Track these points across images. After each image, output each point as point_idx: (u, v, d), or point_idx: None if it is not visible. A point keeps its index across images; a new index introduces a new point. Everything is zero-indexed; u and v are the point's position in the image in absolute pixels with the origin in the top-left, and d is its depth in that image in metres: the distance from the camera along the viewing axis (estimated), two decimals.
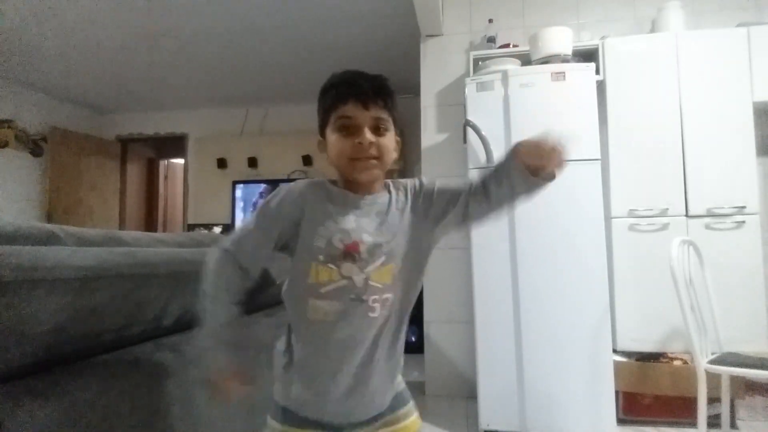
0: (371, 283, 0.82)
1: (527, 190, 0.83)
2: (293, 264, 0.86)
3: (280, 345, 0.90)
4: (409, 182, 0.92)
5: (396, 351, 0.88)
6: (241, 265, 0.85)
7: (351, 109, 0.82)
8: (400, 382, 0.92)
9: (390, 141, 0.85)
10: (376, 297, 0.82)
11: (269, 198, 0.87)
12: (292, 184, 0.89)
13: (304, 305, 0.83)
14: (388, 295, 0.84)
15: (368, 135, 0.81)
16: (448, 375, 2.64)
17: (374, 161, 0.83)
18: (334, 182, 0.89)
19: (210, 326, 0.83)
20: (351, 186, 0.87)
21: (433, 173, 2.81)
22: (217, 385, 0.82)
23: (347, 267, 0.82)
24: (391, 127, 0.86)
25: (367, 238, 0.83)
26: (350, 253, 0.82)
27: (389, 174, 0.92)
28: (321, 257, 0.82)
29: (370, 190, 0.87)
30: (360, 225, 0.84)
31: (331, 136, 0.84)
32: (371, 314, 0.82)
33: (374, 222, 0.85)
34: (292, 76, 4.28)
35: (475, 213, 0.87)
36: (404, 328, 0.89)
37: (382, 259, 0.83)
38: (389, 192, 0.89)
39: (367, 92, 0.82)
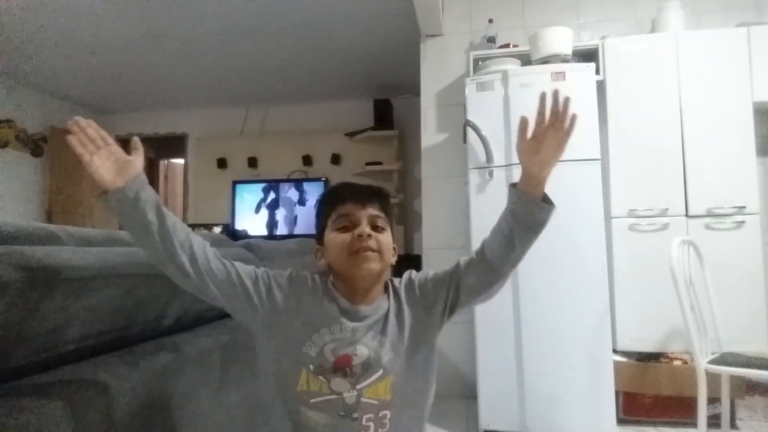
0: (364, 400, 0.79)
1: (530, 221, 0.85)
2: (279, 363, 0.83)
3: None
4: (402, 280, 0.92)
5: None
6: (215, 252, 0.82)
7: (350, 208, 0.86)
8: None
9: (388, 239, 0.87)
10: (371, 416, 0.79)
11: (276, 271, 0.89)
12: (299, 272, 0.90)
13: (295, 410, 0.81)
14: (386, 412, 0.80)
15: (366, 227, 0.84)
16: (448, 375, 2.64)
17: (374, 254, 0.83)
18: (335, 286, 0.88)
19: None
20: (351, 290, 0.85)
21: (433, 173, 2.81)
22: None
23: (337, 382, 0.79)
24: (389, 229, 0.89)
25: (362, 351, 0.80)
26: (341, 367, 0.79)
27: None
28: (311, 366, 0.79)
29: (370, 295, 0.86)
30: (357, 336, 0.81)
31: (330, 236, 0.86)
32: (364, 430, 0.79)
33: (372, 333, 0.83)
34: (292, 76, 4.28)
35: (479, 281, 0.86)
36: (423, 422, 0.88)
37: (379, 372, 0.80)
38: (389, 298, 0.88)
39: (364, 193, 0.88)
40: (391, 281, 0.92)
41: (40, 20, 3.16)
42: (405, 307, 0.87)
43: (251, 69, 4.09)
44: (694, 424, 1.72)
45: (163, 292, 0.98)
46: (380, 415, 0.80)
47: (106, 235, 1.01)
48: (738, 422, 2.08)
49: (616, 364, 2.09)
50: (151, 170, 6.05)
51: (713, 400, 1.81)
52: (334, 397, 0.79)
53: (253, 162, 4.97)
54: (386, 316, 0.86)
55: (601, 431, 1.97)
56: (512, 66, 2.37)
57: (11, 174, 4.27)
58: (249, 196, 4.82)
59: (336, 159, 4.77)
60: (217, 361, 1.09)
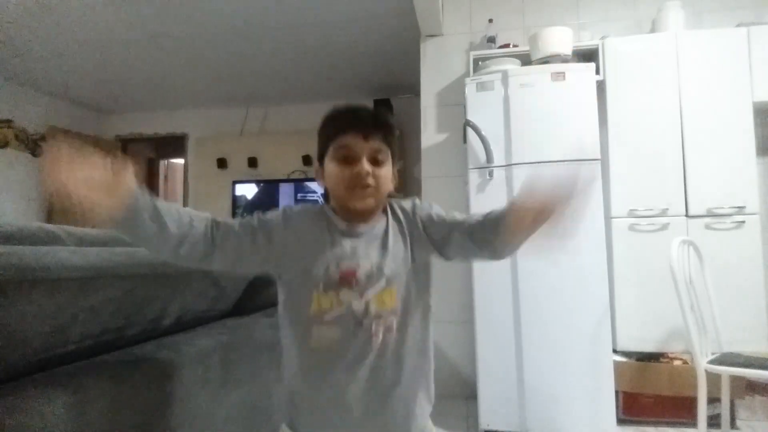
0: (372, 308, 0.82)
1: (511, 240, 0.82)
2: (289, 295, 0.88)
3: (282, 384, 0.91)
4: (407, 204, 0.93)
5: (414, 379, 0.86)
6: (209, 230, 0.80)
7: (350, 139, 0.84)
8: (425, 426, 0.90)
9: (387, 172, 0.87)
10: (379, 322, 0.82)
11: (269, 212, 0.88)
12: (293, 208, 0.91)
13: (306, 334, 0.84)
14: (392, 319, 0.83)
15: (366, 165, 0.83)
16: (448, 375, 2.65)
17: (371, 190, 0.84)
18: (332, 209, 0.90)
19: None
20: (348, 214, 0.87)
21: (433, 173, 2.81)
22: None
23: (345, 293, 0.82)
24: (389, 159, 0.88)
25: (365, 263, 0.84)
26: (347, 279, 0.82)
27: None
28: (321, 285, 0.83)
29: (367, 218, 0.88)
30: (357, 251, 0.85)
31: (330, 165, 0.85)
32: (375, 339, 0.82)
33: (372, 247, 0.86)
34: (292, 76, 4.28)
35: (473, 252, 0.88)
36: (423, 354, 0.88)
37: (382, 282, 0.83)
38: (387, 217, 0.90)
39: (367, 124, 0.85)
40: (390, 204, 0.92)
41: (40, 20, 3.16)
42: (405, 228, 0.90)
43: (251, 69, 4.09)
44: (694, 424, 1.72)
45: (163, 292, 0.98)
46: (388, 322, 0.83)
47: (106, 235, 1.01)
48: (738, 422, 2.08)
49: (616, 364, 2.09)
50: (151, 170, 6.06)
51: (713, 400, 1.81)
52: (344, 309, 0.82)
53: (253, 162, 4.97)
54: (386, 231, 0.88)
55: (601, 431, 1.97)
56: (512, 66, 2.37)
57: (11, 174, 4.27)
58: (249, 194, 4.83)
59: None
60: (217, 361, 1.09)
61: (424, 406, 0.90)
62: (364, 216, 0.88)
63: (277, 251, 0.85)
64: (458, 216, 0.89)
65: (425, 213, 0.90)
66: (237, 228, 0.84)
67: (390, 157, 0.88)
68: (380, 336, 0.82)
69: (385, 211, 0.91)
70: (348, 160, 0.84)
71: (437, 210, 0.91)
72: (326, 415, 0.84)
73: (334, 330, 0.82)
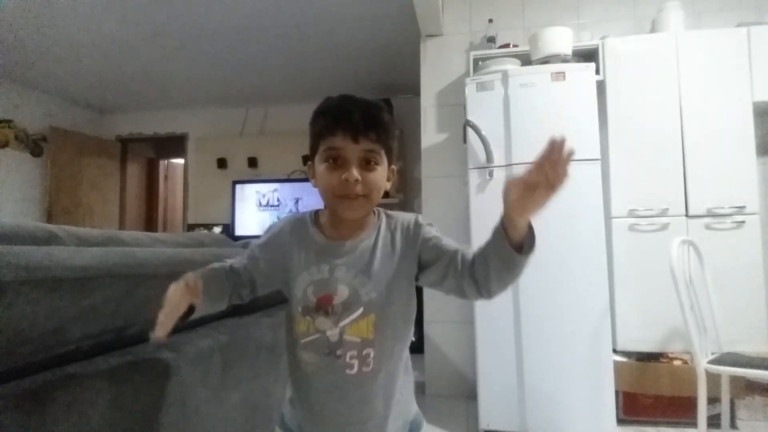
0: (346, 338, 0.79)
1: (503, 263, 0.77)
2: (288, 307, 0.87)
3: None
4: (405, 220, 0.86)
5: (390, 407, 0.83)
6: (236, 267, 0.89)
7: (339, 141, 0.77)
8: (410, 412, 0.89)
9: (380, 176, 0.80)
10: (353, 353, 0.79)
11: (261, 236, 0.91)
12: (278, 223, 0.90)
13: (293, 355, 0.85)
14: (369, 350, 0.79)
15: (355, 171, 0.76)
16: (448, 375, 2.65)
17: (360, 199, 0.78)
18: (318, 216, 0.88)
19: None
20: (335, 220, 0.84)
21: (433, 173, 2.81)
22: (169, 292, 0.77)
23: (321, 320, 0.80)
24: (383, 160, 0.81)
25: (343, 290, 0.80)
26: (323, 306, 0.80)
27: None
28: (299, 308, 0.81)
29: (355, 228, 0.84)
30: (335, 275, 0.80)
31: (319, 166, 0.80)
32: (349, 371, 0.79)
33: (354, 270, 0.80)
34: (292, 76, 4.28)
35: (458, 289, 0.81)
36: (400, 371, 0.85)
37: (360, 310, 0.79)
38: (379, 231, 0.84)
39: (358, 124, 0.77)
40: (388, 215, 0.87)
41: (40, 20, 3.16)
42: (397, 245, 0.83)
43: (251, 69, 4.09)
44: (694, 424, 1.72)
45: (163, 292, 0.98)
46: (363, 353, 0.79)
47: (106, 235, 1.01)
48: (738, 422, 2.08)
49: (616, 364, 2.09)
50: (151, 170, 6.06)
51: (713, 400, 1.81)
52: (318, 335, 0.80)
53: (253, 162, 4.97)
54: (372, 251, 0.82)
55: (601, 431, 1.97)
56: (512, 66, 2.37)
57: (11, 174, 4.27)
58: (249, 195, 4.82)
59: None
60: (217, 361, 1.09)
61: (405, 409, 0.88)
62: (352, 225, 0.83)
63: (270, 271, 0.87)
64: (452, 244, 0.82)
65: (426, 235, 0.83)
66: (246, 260, 0.89)
67: (385, 157, 0.81)
68: (356, 368, 0.79)
69: (378, 220, 0.85)
70: (337, 163, 0.78)
71: (435, 232, 0.85)
72: (309, 426, 0.85)
73: (310, 354, 0.81)
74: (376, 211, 0.87)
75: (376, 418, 0.82)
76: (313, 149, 0.82)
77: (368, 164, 0.78)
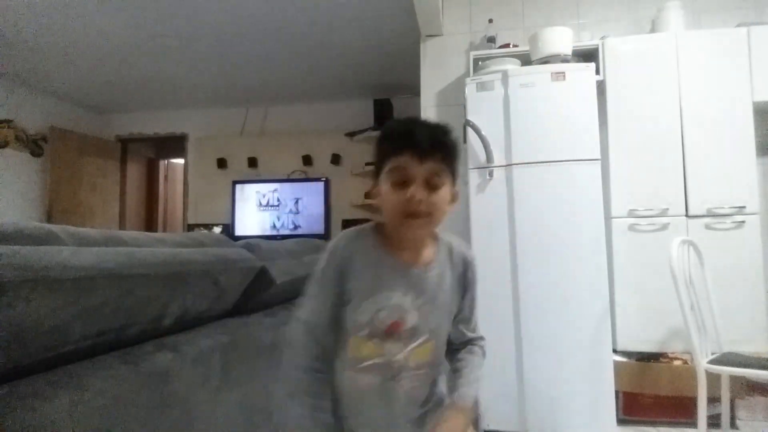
0: (410, 361, 0.83)
1: None
2: (340, 331, 0.86)
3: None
4: (462, 256, 0.91)
5: (431, 397, 0.91)
6: (319, 339, 0.84)
7: (406, 161, 0.78)
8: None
9: (444, 196, 0.81)
10: (411, 374, 0.84)
11: (319, 263, 0.87)
12: (336, 242, 0.86)
13: (346, 371, 0.85)
14: (423, 371, 0.86)
15: (418, 191, 0.77)
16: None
17: (423, 220, 0.79)
18: (380, 233, 0.87)
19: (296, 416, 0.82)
20: (401, 240, 0.85)
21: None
22: None
23: (389, 346, 0.82)
24: (448, 181, 0.82)
25: (412, 317, 0.83)
26: (393, 332, 0.82)
27: None
28: (366, 331, 0.82)
29: (421, 247, 0.86)
30: (405, 302, 0.83)
31: (384, 186, 0.81)
32: (402, 389, 0.84)
33: (423, 298, 0.84)
34: (292, 76, 4.28)
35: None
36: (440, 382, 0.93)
37: (425, 337, 0.84)
38: (445, 258, 0.89)
39: (424, 144, 0.78)
40: (446, 239, 0.90)
41: (40, 21, 3.16)
42: (455, 279, 0.89)
43: (251, 69, 4.09)
44: (694, 424, 1.72)
45: (163, 292, 0.98)
46: (419, 373, 0.85)
47: (106, 235, 1.00)
48: (738, 422, 2.08)
49: (616, 364, 2.09)
50: (151, 170, 6.06)
51: (713, 400, 1.81)
52: (383, 359, 0.83)
53: (253, 162, 4.97)
54: (440, 282, 0.87)
55: (601, 431, 1.97)
56: (512, 66, 2.37)
57: (11, 174, 4.27)
58: (250, 195, 4.83)
59: (336, 159, 4.77)
60: (217, 361, 1.09)
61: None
62: (417, 246, 0.86)
63: (334, 290, 0.85)
64: (470, 326, 0.95)
65: (471, 287, 0.92)
66: (328, 317, 0.85)
67: (450, 178, 0.82)
68: (409, 385, 0.84)
69: (441, 249, 0.89)
70: (401, 182, 0.79)
71: (474, 295, 0.93)
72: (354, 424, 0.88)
73: (369, 376, 0.83)
74: (438, 235, 0.90)
75: (413, 417, 0.88)
76: (378, 168, 0.83)
77: (433, 185, 0.79)
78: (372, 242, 0.86)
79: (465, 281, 0.90)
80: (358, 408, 0.86)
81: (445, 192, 0.81)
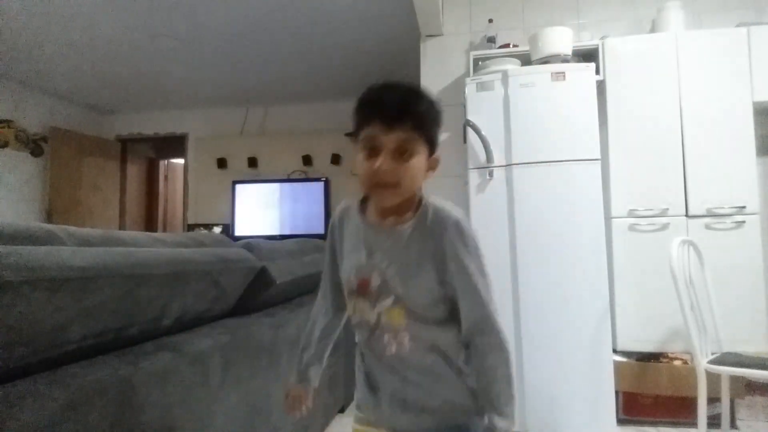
0: (384, 321, 0.83)
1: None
2: None
3: None
4: (447, 221, 0.82)
5: (435, 388, 0.84)
6: (324, 292, 0.97)
7: (374, 130, 0.77)
8: (455, 418, 0.84)
9: (416, 165, 0.78)
10: (390, 336, 0.82)
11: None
12: (334, 212, 0.96)
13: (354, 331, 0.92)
14: (404, 335, 0.82)
15: (386, 161, 0.76)
16: None
17: (391, 190, 0.78)
18: (365, 202, 0.90)
19: (297, 354, 0.99)
20: (377, 207, 0.85)
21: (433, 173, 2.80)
22: (284, 397, 0.97)
23: (360, 303, 0.85)
24: (421, 149, 0.79)
25: (376, 276, 0.82)
26: (362, 289, 0.84)
27: None
28: (347, 291, 0.88)
29: (397, 213, 0.83)
30: (372, 262, 0.83)
31: (358, 156, 0.80)
32: (389, 350, 0.83)
33: (387, 259, 0.82)
34: (292, 76, 4.28)
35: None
36: (442, 365, 0.84)
37: (391, 299, 0.81)
38: (419, 221, 0.82)
39: (393, 112, 0.76)
40: (434, 206, 0.83)
41: (40, 21, 3.16)
42: (434, 245, 0.81)
43: (251, 69, 4.09)
44: (694, 424, 1.72)
45: (162, 292, 0.98)
46: (398, 337, 0.83)
47: (106, 235, 1.01)
48: (738, 422, 2.08)
49: (616, 364, 2.09)
50: (151, 170, 6.06)
51: (713, 400, 1.81)
52: (360, 318, 0.86)
53: (253, 162, 4.97)
54: (407, 243, 0.82)
55: (601, 431, 1.97)
56: (512, 66, 2.37)
57: (11, 174, 4.27)
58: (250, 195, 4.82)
59: (336, 159, 4.77)
60: (217, 361, 1.09)
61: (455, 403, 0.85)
62: (391, 211, 0.83)
63: (333, 256, 0.94)
64: (468, 310, 0.82)
65: (459, 258, 0.80)
66: (325, 270, 0.97)
67: (424, 146, 0.80)
68: (394, 348, 0.83)
69: (421, 211, 0.83)
70: (371, 152, 0.77)
71: (472, 259, 0.82)
72: (363, 391, 0.91)
73: (359, 333, 0.88)
74: (423, 201, 0.85)
75: (417, 400, 0.84)
76: (354, 138, 0.82)
77: (403, 153, 0.77)
78: (356, 208, 0.89)
79: (443, 245, 0.80)
80: (367, 365, 0.90)
81: (417, 160, 0.79)
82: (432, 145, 0.82)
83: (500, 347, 0.81)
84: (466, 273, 0.81)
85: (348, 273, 0.86)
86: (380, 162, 0.76)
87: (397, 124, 0.76)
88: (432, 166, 0.84)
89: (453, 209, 0.84)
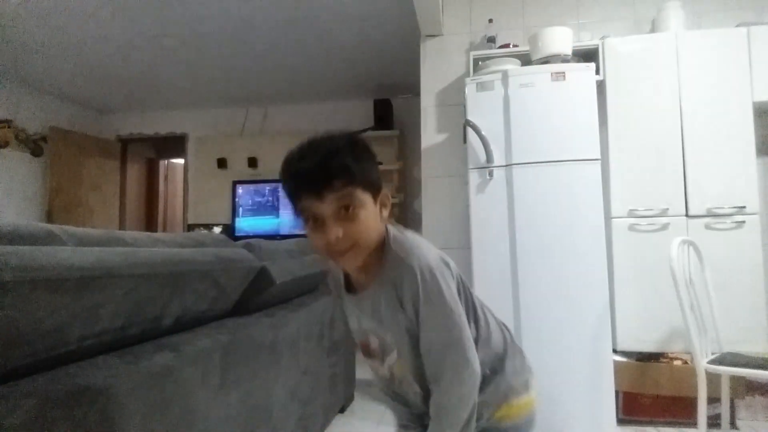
0: (397, 374, 0.87)
1: None
2: None
3: None
4: (405, 269, 0.77)
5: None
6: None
7: (308, 203, 0.73)
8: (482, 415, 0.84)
9: (364, 219, 0.74)
10: (406, 383, 0.87)
11: None
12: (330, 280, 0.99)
13: None
14: (415, 386, 0.86)
15: (331, 229, 0.72)
16: None
17: (350, 252, 0.75)
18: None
19: None
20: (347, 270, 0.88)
21: (433, 173, 2.81)
22: None
23: (371, 362, 0.90)
24: (363, 197, 0.74)
25: (373, 338, 0.87)
26: (367, 350, 0.89)
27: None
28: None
29: (368, 270, 0.81)
30: (363, 327, 0.88)
31: (306, 230, 0.77)
32: (411, 393, 0.88)
33: (374, 320, 0.85)
34: (292, 76, 4.28)
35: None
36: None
37: (394, 353, 0.85)
38: (383, 273, 0.80)
39: (318, 181, 0.71)
40: (388, 252, 0.79)
41: (40, 21, 3.16)
42: (388, 289, 0.79)
43: (251, 69, 4.09)
44: (694, 424, 1.72)
45: (163, 292, 0.98)
46: (414, 385, 0.86)
47: (106, 235, 1.01)
48: (738, 422, 2.08)
49: (616, 364, 2.09)
50: (151, 170, 6.06)
51: (713, 400, 1.81)
52: (376, 372, 0.90)
53: (253, 162, 4.97)
54: (377, 300, 0.81)
55: (601, 431, 1.97)
56: (512, 66, 2.37)
57: (11, 174, 4.27)
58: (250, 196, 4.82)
59: None
60: (217, 361, 1.09)
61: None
62: (361, 270, 0.82)
63: None
64: (427, 356, 0.80)
65: (416, 292, 0.77)
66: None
67: (366, 194, 0.75)
68: (414, 390, 0.87)
69: (387, 264, 0.79)
70: (316, 222, 0.74)
71: (434, 304, 0.78)
72: (399, 409, 0.95)
73: (380, 383, 0.93)
74: (386, 245, 0.80)
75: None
76: (294, 211, 0.78)
77: (347, 213, 0.73)
78: (341, 278, 0.92)
79: (402, 293, 0.77)
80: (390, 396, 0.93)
81: (364, 211, 0.75)
82: (372, 185, 0.76)
83: (451, 390, 0.78)
84: (428, 312, 0.78)
85: (354, 336, 0.92)
86: (328, 233, 0.73)
87: (326, 190, 0.72)
88: (383, 203, 0.79)
89: (410, 250, 0.79)
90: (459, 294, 0.82)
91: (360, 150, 0.76)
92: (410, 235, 0.83)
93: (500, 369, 0.87)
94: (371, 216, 0.76)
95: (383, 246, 0.80)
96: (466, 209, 2.21)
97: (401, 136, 4.56)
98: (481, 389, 0.81)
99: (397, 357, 0.83)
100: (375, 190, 0.77)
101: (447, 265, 0.81)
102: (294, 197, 0.75)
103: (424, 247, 0.80)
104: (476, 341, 0.84)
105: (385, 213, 0.80)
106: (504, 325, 0.97)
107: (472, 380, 0.77)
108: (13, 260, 0.66)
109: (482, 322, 0.90)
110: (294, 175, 0.75)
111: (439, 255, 0.81)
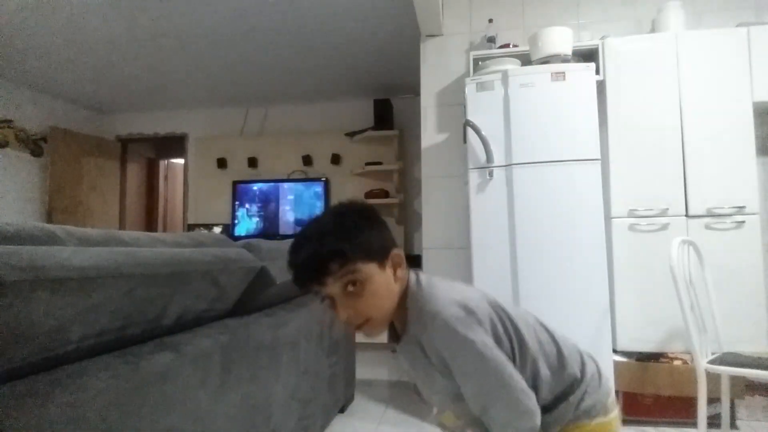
0: (447, 423, 0.92)
1: None
2: None
3: None
4: (427, 321, 0.78)
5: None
6: None
7: (315, 288, 0.77)
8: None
9: (374, 291, 0.75)
10: (459, 430, 0.90)
11: None
12: None
13: None
14: (473, 424, 0.86)
15: (342, 309, 0.76)
16: None
17: (368, 325, 0.78)
18: None
19: None
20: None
21: (433, 173, 2.81)
22: None
23: (439, 411, 0.95)
24: (368, 270, 0.75)
25: (425, 390, 0.91)
26: (423, 398, 0.95)
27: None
28: None
29: (401, 323, 0.84)
30: (411, 375, 0.90)
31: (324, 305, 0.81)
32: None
33: (413, 372, 0.88)
34: (292, 76, 4.28)
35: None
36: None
37: (443, 401, 0.89)
38: (411, 330, 0.82)
39: (315, 274, 0.74)
40: (412, 308, 0.80)
41: (39, 20, 3.16)
42: (418, 342, 0.82)
43: (251, 69, 4.09)
44: (694, 424, 1.72)
45: (163, 292, 0.98)
46: (466, 429, 0.90)
47: (106, 235, 1.00)
48: (738, 422, 2.08)
49: (616, 364, 2.09)
50: (151, 170, 6.06)
51: (713, 400, 1.81)
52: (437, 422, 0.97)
53: (253, 162, 4.97)
54: (411, 352, 0.86)
55: None
56: (512, 66, 2.37)
57: (11, 174, 4.27)
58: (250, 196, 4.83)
59: (336, 159, 4.77)
60: (217, 361, 1.09)
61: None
62: (394, 327, 0.87)
63: None
64: (475, 399, 0.81)
65: (441, 345, 0.78)
66: None
67: (369, 265, 0.75)
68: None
69: (410, 317, 0.81)
70: (331, 303, 0.77)
71: (457, 362, 0.78)
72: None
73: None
74: (408, 302, 0.81)
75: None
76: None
77: (353, 290, 0.75)
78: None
79: (433, 348, 0.79)
80: None
81: (371, 284, 0.75)
82: (375, 253, 0.77)
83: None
84: (457, 371, 0.79)
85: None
86: (341, 314, 0.76)
87: (324, 276, 0.74)
88: (395, 263, 0.79)
89: (424, 307, 0.78)
90: (499, 334, 0.79)
91: (351, 224, 0.77)
92: (428, 287, 0.81)
93: (571, 392, 0.85)
94: (381, 285, 0.76)
95: (404, 305, 0.82)
96: (466, 209, 2.21)
97: (401, 136, 4.56)
98: (550, 410, 0.82)
99: (449, 404, 0.88)
100: (380, 257, 0.77)
101: (471, 312, 0.77)
102: (302, 286, 0.78)
103: (442, 299, 0.78)
104: (535, 375, 0.82)
105: (401, 272, 0.80)
106: (579, 350, 0.92)
107: (527, 417, 0.76)
108: (13, 260, 0.66)
109: (541, 354, 0.84)
110: (294, 267, 0.78)
111: (460, 303, 0.78)
